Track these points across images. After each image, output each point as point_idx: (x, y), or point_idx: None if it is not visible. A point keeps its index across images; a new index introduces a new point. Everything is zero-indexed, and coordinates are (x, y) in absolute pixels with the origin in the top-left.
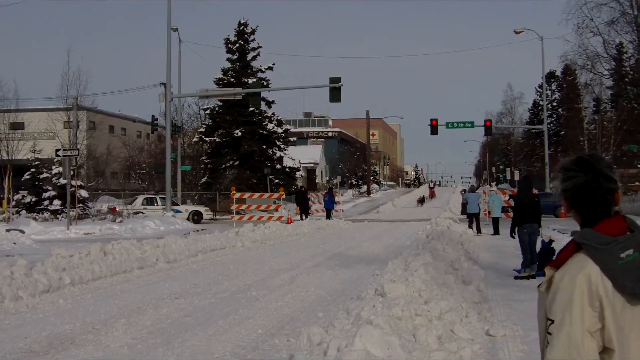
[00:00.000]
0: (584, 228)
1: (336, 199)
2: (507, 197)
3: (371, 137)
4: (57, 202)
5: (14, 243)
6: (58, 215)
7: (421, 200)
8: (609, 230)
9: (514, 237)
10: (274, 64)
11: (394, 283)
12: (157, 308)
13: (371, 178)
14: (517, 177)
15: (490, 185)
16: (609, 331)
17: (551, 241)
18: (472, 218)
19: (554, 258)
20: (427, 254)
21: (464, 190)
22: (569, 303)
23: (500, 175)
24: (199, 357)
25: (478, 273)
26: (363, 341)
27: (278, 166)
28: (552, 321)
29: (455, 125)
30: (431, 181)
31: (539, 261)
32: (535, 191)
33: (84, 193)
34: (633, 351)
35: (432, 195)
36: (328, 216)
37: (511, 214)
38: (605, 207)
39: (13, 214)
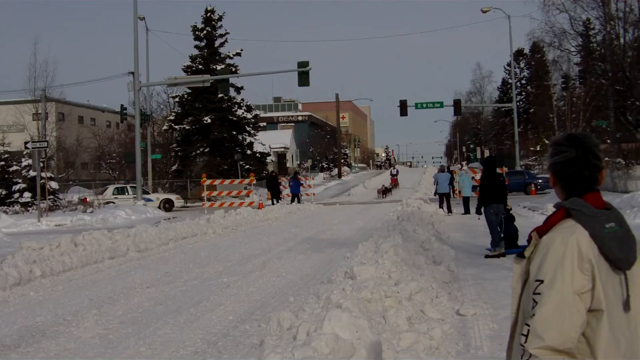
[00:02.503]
0: (572, 197)
1: (302, 182)
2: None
3: (341, 119)
4: (27, 194)
5: None
6: (29, 208)
7: (384, 192)
8: (593, 202)
9: (480, 214)
10: (242, 50)
11: (364, 265)
12: (129, 298)
13: (342, 161)
14: (487, 155)
15: (461, 165)
16: (599, 292)
17: (509, 209)
18: (443, 198)
19: (515, 224)
20: (398, 236)
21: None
22: (560, 263)
23: (471, 154)
24: (170, 345)
25: (448, 253)
26: (332, 325)
27: (248, 152)
28: (542, 281)
29: (425, 105)
30: (393, 166)
31: (503, 230)
32: (504, 170)
33: (54, 184)
34: (616, 316)
35: (394, 184)
36: (294, 200)
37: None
38: (591, 183)
39: None
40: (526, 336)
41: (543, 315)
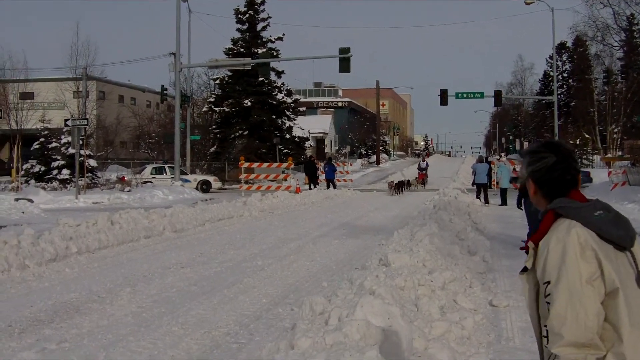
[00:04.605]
0: (556, 199)
1: (336, 168)
2: (517, 168)
3: (381, 107)
4: (65, 171)
5: (23, 212)
6: (67, 185)
7: (398, 187)
8: (576, 198)
9: (520, 208)
10: (283, 35)
11: (398, 253)
12: (163, 277)
13: (380, 148)
14: (526, 147)
15: (500, 156)
16: (610, 273)
17: None
18: (480, 188)
19: None
20: (434, 224)
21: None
22: (561, 259)
23: (510, 146)
24: (203, 325)
25: (484, 243)
26: (364, 311)
27: (287, 136)
28: (549, 282)
29: (465, 95)
30: (423, 158)
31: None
32: None
33: (92, 162)
34: (632, 292)
35: (421, 179)
36: (329, 186)
37: (519, 185)
38: (572, 185)
39: (22, 184)
40: (547, 337)
41: (557, 312)
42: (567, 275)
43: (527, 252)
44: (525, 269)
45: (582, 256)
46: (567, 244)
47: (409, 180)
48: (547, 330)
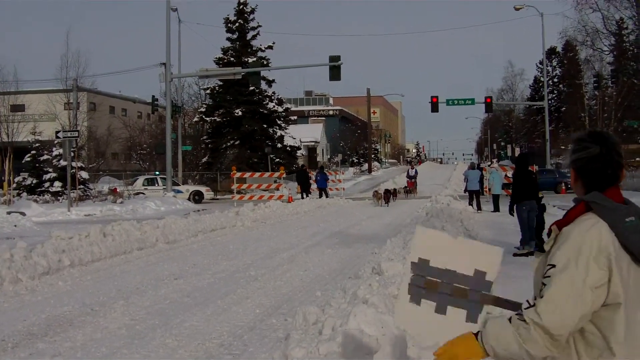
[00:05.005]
0: (593, 192)
1: (328, 177)
2: (509, 174)
3: (372, 114)
4: (57, 183)
5: (15, 225)
6: (59, 197)
7: (387, 196)
8: (613, 197)
9: (512, 215)
10: (273, 43)
11: (391, 261)
12: (156, 289)
13: (372, 156)
14: (518, 153)
15: (491, 162)
16: (616, 285)
17: (540, 198)
18: (473, 195)
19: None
20: None
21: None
22: (577, 252)
23: (502, 152)
24: (196, 337)
25: None
26: (357, 320)
27: (279, 145)
28: (554, 266)
29: (456, 102)
30: (411, 166)
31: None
32: (534, 167)
33: (84, 174)
34: (636, 311)
35: (410, 187)
36: (321, 195)
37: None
38: (613, 180)
39: (14, 196)
40: (527, 308)
41: (549, 297)
42: (575, 270)
43: (548, 235)
44: (542, 250)
45: (595, 259)
46: (587, 240)
47: (395, 190)
48: (530, 305)
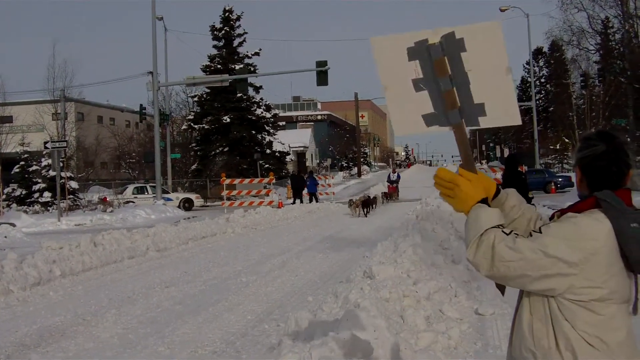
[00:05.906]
0: (604, 190)
1: (318, 181)
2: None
3: (360, 118)
4: (47, 194)
5: (5, 237)
6: (49, 207)
7: (365, 204)
8: (624, 199)
9: None
10: (260, 50)
11: (383, 265)
12: (148, 297)
13: (361, 160)
14: (507, 154)
15: (480, 164)
16: (608, 284)
17: (531, 198)
18: None
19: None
20: (417, 235)
21: None
22: (565, 234)
23: (491, 153)
24: (189, 345)
25: None
26: (349, 325)
27: (268, 151)
28: (540, 232)
29: None
30: (393, 170)
31: None
32: (524, 168)
33: (74, 184)
34: (623, 312)
35: (391, 192)
36: (312, 200)
37: None
38: (618, 179)
39: (3, 208)
40: (507, 233)
41: (506, 251)
42: (556, 244)
43: (550, 219)
44: (539, 232)
45: (582, 248)
46: (585, 230)
47: (375, 197)
48: (487, 239)
